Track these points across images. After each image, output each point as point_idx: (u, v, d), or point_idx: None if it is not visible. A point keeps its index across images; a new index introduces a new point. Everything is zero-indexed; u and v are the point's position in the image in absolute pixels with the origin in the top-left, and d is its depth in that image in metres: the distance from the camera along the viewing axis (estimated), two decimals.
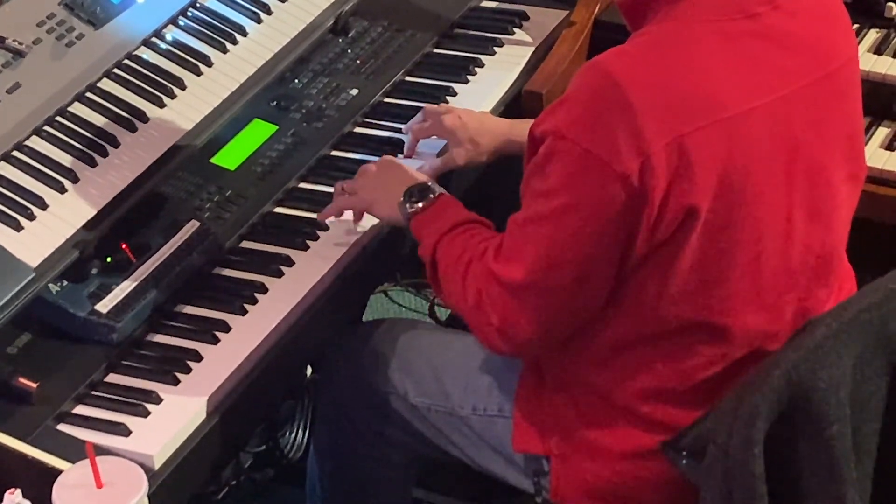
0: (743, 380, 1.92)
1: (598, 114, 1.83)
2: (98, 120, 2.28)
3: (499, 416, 2.18)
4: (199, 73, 2.42)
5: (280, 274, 2.21)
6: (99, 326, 2.05)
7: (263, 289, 2.18)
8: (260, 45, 2.52)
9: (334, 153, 2.46)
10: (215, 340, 2.09)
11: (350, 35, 2.68)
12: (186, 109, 2.36)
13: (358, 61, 2.63)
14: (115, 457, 1.80)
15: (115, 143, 2.27)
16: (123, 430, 1.94)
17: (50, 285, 2.07)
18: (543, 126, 1.89)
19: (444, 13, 2.77)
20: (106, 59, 2.35)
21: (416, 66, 2.66)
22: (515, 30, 2.74)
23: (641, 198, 1.82)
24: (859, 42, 2.67)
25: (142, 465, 1.73)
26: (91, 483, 1.65)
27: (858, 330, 1.88)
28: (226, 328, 2.11)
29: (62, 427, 1.96)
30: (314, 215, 2.31)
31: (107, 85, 2.33)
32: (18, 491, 1.66)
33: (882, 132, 2.62)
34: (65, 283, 2.10)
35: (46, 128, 2.24)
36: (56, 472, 1.69)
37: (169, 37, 2.45)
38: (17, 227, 2.10)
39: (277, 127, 2.46)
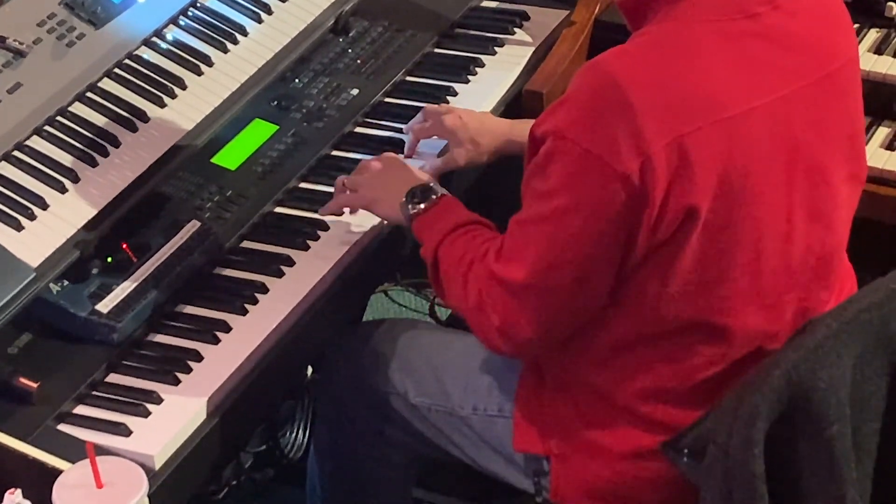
0: (743, 380, 1.92)
1: (598, 114, 1.83)
2: (99, 120, 2.29)
3: (499, 416, 2.18)
4: (199, 73, 2.42)
5: (281, 274, 2.21)
6: (99, 326, 2.05)
7: (264, 289, 2.18)
8: (260, 44, 2.52)
9: (335, 153, 2.46)
10: (216, 340, 2.09)
11: (350, 35, 2.68)
12: (187, 109, 2.36)
13: (358, 61, 2.63)
14: (116, 457, 1.79)
15: (116, 143, 2.27)
16: (124, 430, 1.94)
17: (50, 285, 2.07)
18: (544, 126, 1.89)
19: (445, 13, 2.77)
20: (106, 58, 2.35)
21: (417, 65, 2.66)
22: (516, 29, 2.74)
23: (642, 198, 1.82)
24: (860, 42, 2.67)
25: (142, 465, 1.73)
26: (91, 483, 1.65)
27: (859, 330, 1.88)
28: (226, 328, 2.11)
29: (62, 427, 1.96)
30: (315, 215, 2.31)
31: (107, 85, 2.34)
32: (19, 491, 1.66)
33: (882, 132, 2.62)
34: (65, 283, 2.10)
35: (47, 127, 2.24)
36: (56, 472, 1.69)
37: (170, 36, 2.45)
38: (18, 227, 2.10)
39: (278, 127, 2.46)
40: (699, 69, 1.85)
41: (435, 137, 2.44)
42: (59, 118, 2.26)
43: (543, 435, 2.10)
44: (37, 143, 2.22)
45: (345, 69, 2.61)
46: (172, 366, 2.04)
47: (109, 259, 2.15)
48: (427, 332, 2.39)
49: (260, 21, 2.55)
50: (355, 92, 2.56)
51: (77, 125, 2.26)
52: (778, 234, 1.93)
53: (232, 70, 2.45)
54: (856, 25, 2.48)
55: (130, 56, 2.39)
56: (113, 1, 2.40)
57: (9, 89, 2.22)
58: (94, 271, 2.13)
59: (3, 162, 2.17)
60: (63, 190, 2.17)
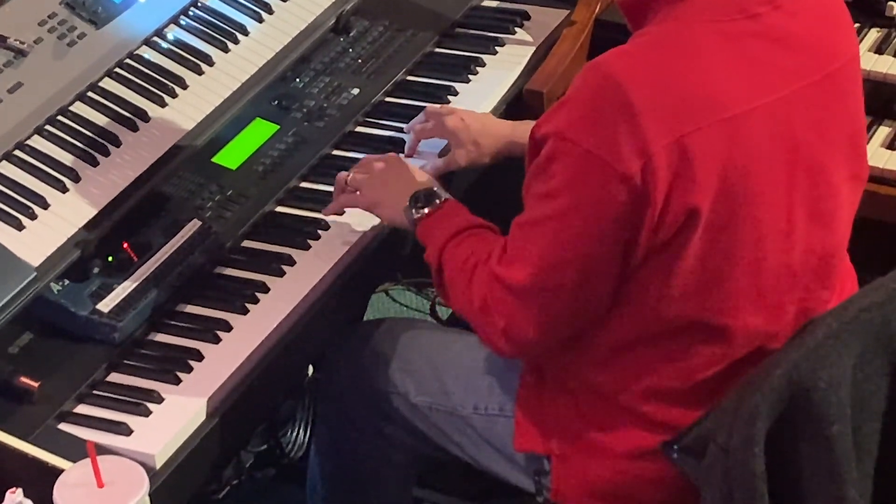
0: (743, 379, 1.92)
1: (599, 114, 1.83)
2: (99, 119, 2.29)
3: (500, 415, 2.18)
4: (200, 73, 2.42)
5: (281, 273, 2.21)
6: (100, 326, 2.05)
7: (265, 288, 2.18)
8: (261, 44, 2.52)
9: (336, 152, 2.46)
10: (217, 340, 2.09)
11: (351, 34, 2.67)
12: (188, 109, 2.36)
13: (359, 60, 2.63)
14: (117, 456, 1.79)
15: (117, 143, 2.27)
16: (125, 430, 1.94)
17: (51, 284, 2.07)
18: (545, 128, 1.89)
19: (446, 12, 2.77)
20: (107, 58, 2.35)
21: (418, 65, 2.66)
22: (517, 29, 2.74)
23: (643, 198, 1.82)
24: (860, 41, 2.67)
25: (143, 465, 1.74)
26: (92, 482, 1.65)
27: (859, 329, 1.88)
28: (227, 327, 2.11)
29: (63, 426, 1.96)
30: (316, 214, 2.31)
31: (108, 84, 2.34)
32: (20, 490, 1.67)
33: (883, 131, 2.62)
34: (66, 282, 2.10)
35: (48, 127, 2.24)
36: (57, 472, 1.69)
37: (170, 36, 2.45)
38: (19, 227, 2.10)
39: (279, 126, 2.46)
40: (700, 69, 1.85)
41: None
42: (60, 117, 2.26)
43: (544, 434, 2.11)
44: (38, 142, 2.22)
45: (345, 68, 2.61)
46: (173, 365, 2.04)
47: (110, 258, 2.15)
48: (428, 331, 2.39)
49: (261, 20, 2.55)
50: (356, 91, 2.56)
51: (78, 124, 2.26)
52: (778, 234, 1.93)
53: (233, 69, 2.45)
54: (856, 25, 2.48)
55: (131, 55, 2.39)
56: (114, 0, 2.40)
57: (10, 89, 2.22)
58: (95, 270, 2.13)
59: (4, 161, 2.17)
60: (64, 189, 2.17)
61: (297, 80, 2.56)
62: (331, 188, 2.33)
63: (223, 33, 2.50)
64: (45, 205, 2.14)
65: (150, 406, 1.98)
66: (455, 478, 2.74)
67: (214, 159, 2.38)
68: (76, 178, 2.19)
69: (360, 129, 2.52)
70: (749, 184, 1.87)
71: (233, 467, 2.76)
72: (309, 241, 2.26)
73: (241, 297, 2.16)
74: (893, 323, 1.90)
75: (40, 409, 1.96)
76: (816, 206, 1.96)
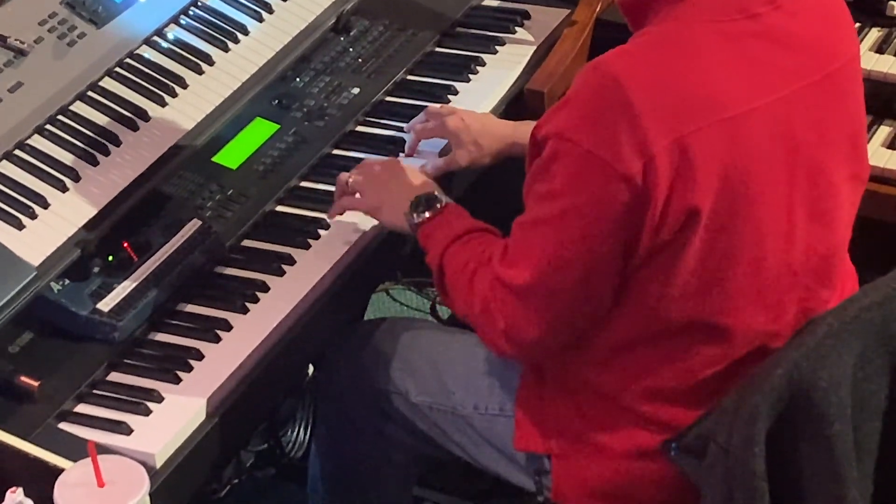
0: (744, 379, 1.92)
1: (599, 114, 1.83)
2: (100, 119, 2.29)
3: (500, 414, 2.18)
4: (200, 72, 2.42)
5: (282, 273, 2.21)
6: (100, 325, 2.05)
7: (265, 287, 2.18)
8: (261, 43, 2.52)
9: (336, 152, 2.46)
10: (217, 339, 2.09)
11: (351, 34, 2.67)
12: (188, 108, 2.36)
13: (359, 60, 2.63)
14: (117, 455, 1.79)
15: (117, 142, 2.27)
16: (125, 429, 1.95)
17: (51, 284, 2.07)
18: (545, 129, 1.89)
19: (446, 12, 2.77)
20: (108, 57, 2.35)
21: (418, 64, 2.66)
22: (517, 28, 2.74)
23: (644, 198, 1.82)
24: (861, 41, 2.67)
25: (143, 464, 1.73)
26: (93, 482, 1.65)
27: (860, 329, 1.88)
28: (227, 327, 2.11)
29: (64, 426, 1.96)
30: (316, 214, 2.31)
31: (108, 84, 2.34)
32: (20, 489, 1.66)
33: (884, 131, 2.62)
34: (66, 281, 2.10)
35: (48, 126, 2.24)
36: (58, 471, 1.69)
37: (171, 35, 2.45)
38: (19, 226, 2.10)
39: (279, 126, 2.46)
40: (700, 69, 1.85)
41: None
42: (60, 117, 2.26)
43: (544, 434, 2.11)
44: (38, 141, 2.22)
45: (346, 68, 2.61)
46: (173, 364, 2.04)
47: (110, 258, 2.15)
48: (428, 330, 2.39)
49: (261, 20, 2.55)
50: (356, 91, 2.56)
51: (78, 124, 2.26)
52: (779, 234, 1.93)
53: (233, 69, 2.45)
54: (857, 25, 2.48)
55: (131, 55, 2.39)
56: (114, 0, 2.40)
57: (10, 88, 2.22)
58: (95, 270, 2.13)
59: (4, 161, 2.17)
60: (64, 189, 2.17)
61: (298, 79, 2.56)
62: (331, 188, 2.33)
63: (223, 33, 2.50)
64: (45, 204, 2.14)
65: (151, 405, 1.98)
66: (455, 478, 2.74)
67: (214, 159, 2.38)
68: (76, 178, 2.19)
69: (360, 128, 2.52)
70: (749, 184, 1.87)
71: (233, 467, 2.76)
72: (309, 241, 2.26)
73: (242, 296, 2.16)
74: (893, 323, 1.90)
75: (40, 408, 1.96)
76: (817, 206, 1.96)
